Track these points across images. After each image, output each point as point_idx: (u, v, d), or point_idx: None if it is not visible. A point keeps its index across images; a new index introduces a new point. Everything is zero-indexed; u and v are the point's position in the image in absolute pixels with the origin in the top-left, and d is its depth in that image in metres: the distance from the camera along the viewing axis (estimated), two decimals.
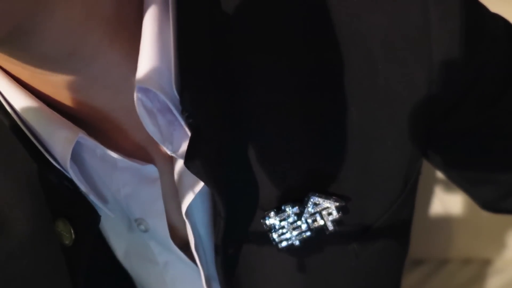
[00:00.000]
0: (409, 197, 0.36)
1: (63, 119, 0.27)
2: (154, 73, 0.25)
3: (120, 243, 0.35)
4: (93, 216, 0.29)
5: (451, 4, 0.27)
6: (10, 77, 0.26)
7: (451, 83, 0.29)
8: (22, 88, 0.26)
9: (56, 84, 0.26)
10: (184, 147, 0.28)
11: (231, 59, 0.27)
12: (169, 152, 0.28)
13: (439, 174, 0.74)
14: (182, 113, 0.26)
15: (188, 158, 0.26)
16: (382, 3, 0.28)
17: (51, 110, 0.27)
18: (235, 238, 0.32)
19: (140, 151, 0.31)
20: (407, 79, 0.29)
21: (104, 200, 0.31)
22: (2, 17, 0.19)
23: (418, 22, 0.27)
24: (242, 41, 0.28)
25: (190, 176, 0.29)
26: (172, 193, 0.33)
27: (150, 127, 0.27)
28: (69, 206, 0.29)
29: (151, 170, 0.30)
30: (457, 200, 0.76)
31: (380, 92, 0.29)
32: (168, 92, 0.25)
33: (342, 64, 0.28)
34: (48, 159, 0.27)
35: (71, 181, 0.28)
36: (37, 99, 0.27)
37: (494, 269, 0.77)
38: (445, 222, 0.78)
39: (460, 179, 0.38)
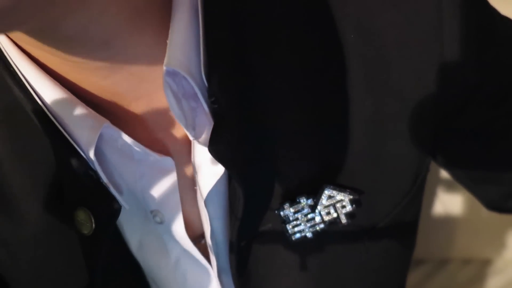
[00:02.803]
0: (417, 194, 0.36)
1: (89, 108, 0.27)
2: (183, 57, 0.25)
3: (134, 235, 0.36)
4: (115, 206, 0.29)
5: (464, 4, 0.28)
6: (37, 65, 0.27)
7: (460, 82, 0.30)
8: (49, 76, 0.27)
9: (84, 71, 0.26)
10: (205, 133, 0.29)
11: (250, 51, 0.28)
12: (191, 138, 0.29)
13: (440, 175, 0.75)
14: (208, 97, 0.27)
15: (212, 143, 0.27)
16: (397, 1, 0.28)
17: (76, 99, 0.27)
18: (249, 229, 0.32)
19: (158, 143, 0.31)
20: (418, 76, 0.29)
21: (119, 191, 0.32)
22: (37, 10, 0.20)
23: (432, 21, 0.28)
24: (260, 34, 0.28)
25: (209, 166, 0.29)
26: (188, 186, 0.33)
27: (176, 111, 0.27)
28: (90, 195, 0.29)
29: (168, 162, 0.31)
30: (458, 201, 0.77)
31: (393, 88, 0.29)
32: (195, 76, 0.26)
33: (356, 60, 0.29)
34: (74, 148, 0.27)
35: (94, 171, 0.28)
36: (64, 88, 0.27)
37: (494, 269, 0.78)
38: (446, 222, 0.79)
39: (466, 179, 0.38)
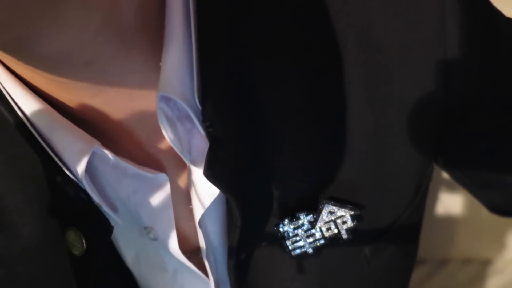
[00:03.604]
0: (420, 204, 0.36)
1: (78, 129, 0.26)
2: (177, 82, 0.24)
3: (130, 249, 0.35)
4: (106, 227, 0.29)
5: (468, 10, 0.27)
6: (24, 85, 0.26)
7: (465, 89, 0.29)
8: (37, 96, 0.26)
9: (71, 90, 0.25)
10: (201, 156, 0.28)
11: (247, 66, 0.27)
12: (187, 162, 0.28)
13: (440, 175, 0.74)
14: (203, 121, 0.26)
15: (208, 168, 0.26)
16: (400, 8, 0.27)
17: (65, 119, 0.26)
18: (248, 244, 0.32)
19: (151, 159, 0.30)
20: (422, 85, 0.28)
21: (114, 208, 0.31)
22: (4, 25, 0.19)
23: (435, 28, 0.27)
24: (257, 49, 0.27)
25: (205, 185, 0.28)
26: (183, 200, 0.32)
27: (170, 137, 0.26)
28: (81, 216, 0.28)
29: (162, 178, 0.30)
30: (458, 201, 0.77)
31: (396, 97, 0.29)
32: (189, 100, 0.25)
33: (358, 71, 0.28)
34: (63, 171, 0.26)
35: (84, 191, 0.27)
36: (52, 108, 0.26)
37: (494, 269, 0.78)
38: (446, 222, 0.78)
39: (469, 183, 0.38)
